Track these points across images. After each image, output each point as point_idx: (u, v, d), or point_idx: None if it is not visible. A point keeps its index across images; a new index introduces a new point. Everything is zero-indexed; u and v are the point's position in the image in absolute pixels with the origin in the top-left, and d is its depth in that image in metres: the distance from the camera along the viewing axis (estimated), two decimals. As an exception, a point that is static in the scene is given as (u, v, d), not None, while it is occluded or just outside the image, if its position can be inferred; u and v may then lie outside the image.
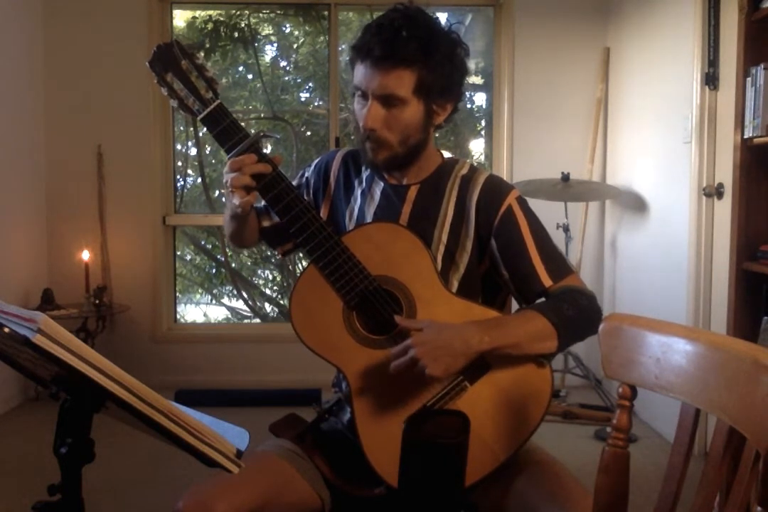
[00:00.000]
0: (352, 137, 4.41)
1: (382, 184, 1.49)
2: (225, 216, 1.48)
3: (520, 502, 1.29)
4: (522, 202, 1.44)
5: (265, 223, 1.55)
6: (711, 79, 2.89)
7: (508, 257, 1.41)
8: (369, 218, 1.47)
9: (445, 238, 1.42)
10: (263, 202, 1.52)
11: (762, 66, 2.37)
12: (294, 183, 1.56)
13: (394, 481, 1.25)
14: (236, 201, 1.32)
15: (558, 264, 1.42)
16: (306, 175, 1.58)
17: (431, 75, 1.34)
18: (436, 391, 1.34)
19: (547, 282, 1.39)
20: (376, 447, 1.32)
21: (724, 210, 2.79)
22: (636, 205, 3.66)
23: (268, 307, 5.37)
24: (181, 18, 4.50)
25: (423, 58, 1.33)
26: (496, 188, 1.44)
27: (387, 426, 1.33)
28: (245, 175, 1.31)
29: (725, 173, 2.78)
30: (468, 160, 1.54)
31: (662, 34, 3.37)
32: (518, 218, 1.41)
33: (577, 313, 1.35)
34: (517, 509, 1.30)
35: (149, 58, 1.33)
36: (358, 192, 1.50)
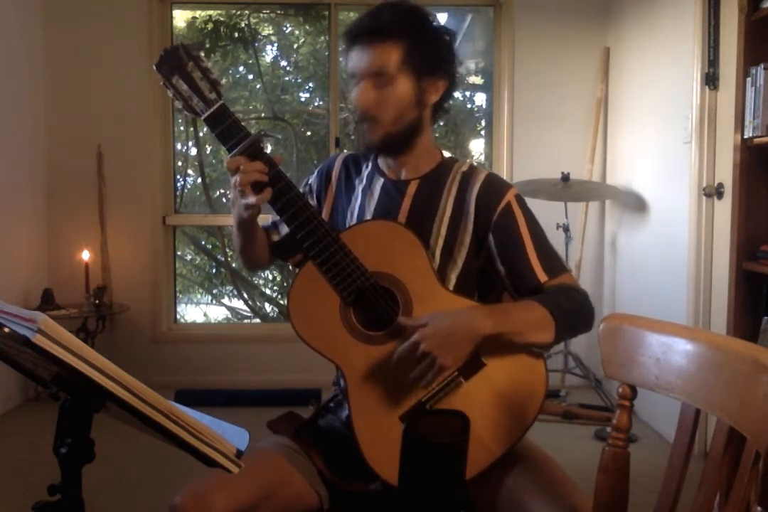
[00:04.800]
0: (353, 137, 4.41)
1: (382, 179, 1.50)
2: (233, 230, 1.48)
3: (511, 498, 1.30)
4: (520, 200, 1.46)
5: (275, 237, 1.56)
6: (711, 79, 2.89)
7: (505, 253, 1.43)
8: (369, 214, 1.48)
9: (444, 232, 1.43)
10: (269, 221, 1.55)
11: (762, 66, 2.37)
12: None
13: (389, 477, 1.26)
14: (251, 200, 1.33)
15: (553, 261, 1.44)
16: (309, 182, 1.61)
17: (418, 49, 1.38)
18: (432, 387, 1.34)
19: (542, 277, 1.41)
20: (371, 442, 1.33)
21: (724, 210, 2.79)
22: (636, 205, 3.66)
23: (268, 307, 5.37)
24: (181, 18, 4.50)
25: (408, 32, 1.37)
26: (496, 185, 1.46)
27: (383, 422, 1.34)
28: (248, 172, 1.32)
29: (725, 173, 2.78)
30: (468, 160, 1.55)
31: (662, 34, 3.37)
32: (516, 215, 1.43)
33: (574, 308, 1.38)
34: (508, 504, 1.31)
35: (156, 62, 1.36)
36: (359, 190, 1.52)
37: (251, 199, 1.33)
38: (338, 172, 1.56)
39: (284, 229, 1.53)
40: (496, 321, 1.31)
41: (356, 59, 1.39)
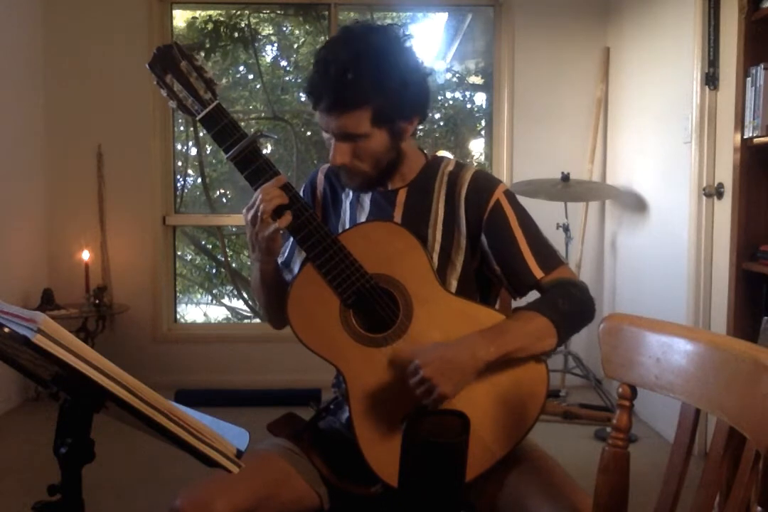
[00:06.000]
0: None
1: (370, 192, 1.49)
2: (255, 284, 1.46)
3: (512, 498, 1.30)
4: (510, 196, 1.44)
5: (288, 277, 1.52)
6: (711, 79, 2.89)
7: (499, 251, 1.42)
8: None
9: (439, 236, 1.43)
10: (279, 263, 1.51)
11: (762, 66, 2.38)
12: None
13: (391, 479, 1.25)
14: (273, 226, 1.31)
15: (548, 255, 1.43)
16: None
17: (388, 105, 1.33)
18: None
19: (538, 274, 1.40)
20: (372, 444, 1.33)
21: (724, 210, 2.79)
22: (636, 205, 3.66)
23: (268, 307, 5.36)
24: (181, 18, 4.49)
25: (374, 94, 1.31)
26: (484, 183, 1.44)
27: (384, 424, 1.33)
28: (268, 200, 1.30)
29: (725, 173, 2.78)
30: (453, 158, 1.53)
31: (662, 34, 3.37)
32: (507, 212, 1.42)
33: (573, 306, 1.37)
34: (509, 504, 1.31)
35: (149, 60, 1.35)
36: (347, 204, 1.51)
37: (273, 226, 1.30)
38: (322, 187, 1.54)
39: (297, 266, 1.51)
40: (498, 345, 1.29)
41: (324, 121, 1.35)
